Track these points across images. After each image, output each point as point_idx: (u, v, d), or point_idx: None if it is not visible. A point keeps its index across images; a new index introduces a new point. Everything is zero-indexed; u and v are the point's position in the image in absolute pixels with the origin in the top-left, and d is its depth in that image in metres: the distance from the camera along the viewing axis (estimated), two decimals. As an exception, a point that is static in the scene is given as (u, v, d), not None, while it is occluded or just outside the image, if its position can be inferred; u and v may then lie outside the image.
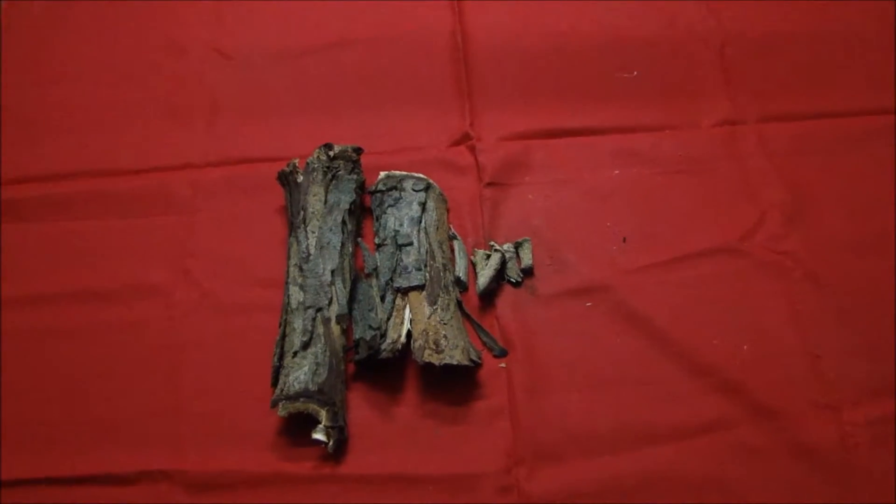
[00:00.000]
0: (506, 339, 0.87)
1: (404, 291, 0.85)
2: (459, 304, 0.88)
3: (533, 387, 0.82)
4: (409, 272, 0.86)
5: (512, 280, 0.92)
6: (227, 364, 0.83)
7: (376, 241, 0.91)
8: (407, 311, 0.84)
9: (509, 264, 0.92)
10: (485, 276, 0.88)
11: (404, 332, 0.81)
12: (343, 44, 1.04)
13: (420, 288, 0.85)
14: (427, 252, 0.89)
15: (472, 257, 0.95)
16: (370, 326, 0.82)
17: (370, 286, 0.87)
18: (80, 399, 0.79)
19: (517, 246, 0.98)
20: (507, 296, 0.91)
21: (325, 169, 0.94)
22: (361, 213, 1.01)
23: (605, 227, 0.99)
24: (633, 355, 0.83)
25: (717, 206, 0.99)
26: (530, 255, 0.93)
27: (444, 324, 0.82)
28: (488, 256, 0.92)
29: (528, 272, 0.92)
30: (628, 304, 0.87)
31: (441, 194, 1.01)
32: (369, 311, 0.84)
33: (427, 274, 0.86)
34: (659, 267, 0.90)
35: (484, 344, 0.87)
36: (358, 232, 0.98)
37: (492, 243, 0.92)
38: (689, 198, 1.01)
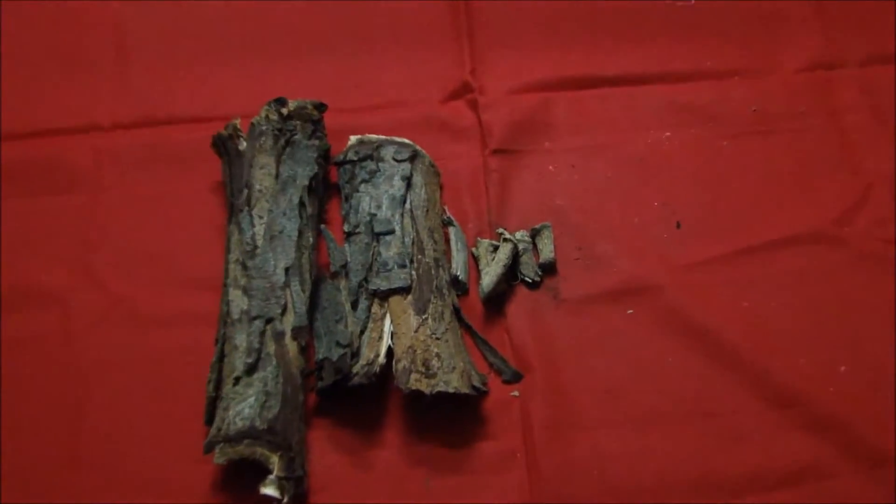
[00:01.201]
0: (520, 358, 0.88)
1: (383, 296, 0.86)
2: (457, 311, 0.88)
3: (556, 423, 0.83)
4: (390, 270, 0.87)
5: (527, 280, 0.92)
6: (145, 395, 0.83)
7: (346, 228, 0.92)
8: (387, 321, 0.84)
9: (523, 258, 0.93)
10: (491, 274, 0.89)
11: (383, 350, 0.82)
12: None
13: (404, 291, 0.86)
14: (413, 243, 0.89)
15: (473, 250, 0.95)
16: (338, 343, 0.82)
17: (337, 289, 0.87)
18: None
19: (534, 234, 0.96)
20: (520, 301, 0.92)
21: (277, 132, 0.94)
22: (326, 191, 1.01)
23: (652, 207, 0.97)
24: (692, 380, 0.84)
25: (805, 179, 0.99)
26: (552, 247, 0.93)
27: (437, 339, 0.82)
28: (495, 248, 0.93)
29: (548, 269, 0.93)
30: (684, 312, 0.88)
31: (432, 165, 1.02)
32: (336, 322, 0.84)
33: (414, 272, 0.87)
34: (725, 261, 0.91)
35: (490, 366, 0.88)
36: (321, 217, 0.96)
37: (500, 231, 0.92)
38: (766, 168, 1.01)
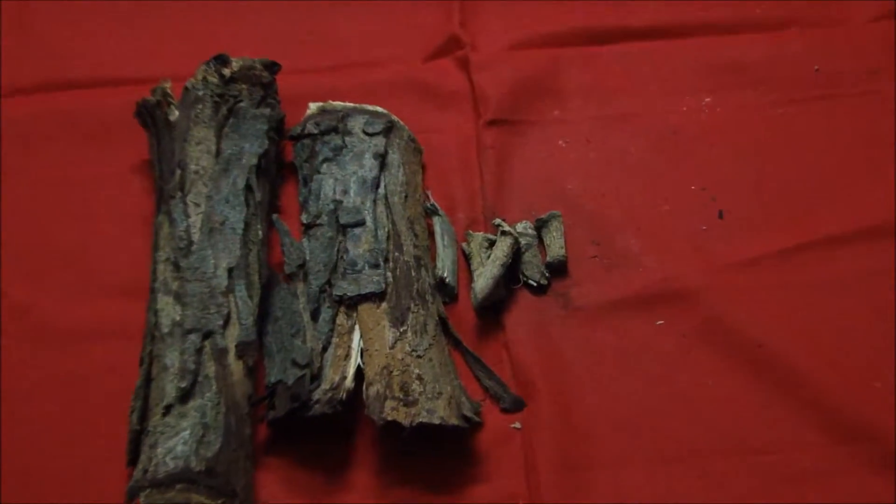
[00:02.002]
0: (522, 381, 0.88)
1: (351, 303, 0.86)
2: (444, 323, 0.89)
3: (567, 461, 0.82)
4: (360, 271, 0.87)
5: (531, 283, 0.92)
6: (52, 428, 0.82)
7: (304, 219, 0.92)
8: (356, 336, 0.84)
9: (526, 256, 0.93)
10: (486, 276, 0.89)
11: (351, 371, 0.82)
12: None
13: (377, 297, 0.86)
14: (389, 237, 0.90)
15: (464, 245, 0.95)
16: (294, 363, 0.82)
17: (294, 295, 0.88)
18: None
19: (540, 226, 0.96)
20: (522, 309, 0.92)
21: (217, 99, 0.94)
22: (279, 172, 1.01)
23: (687, 192, 0.97)
24: (737, 407, 0.84)
25: (877, 156, 0.99)
26: (562, 241, 0.93)
27: (419, 357, 0.83)
28: (491, 244, 0.93)
29: (558, 269, 0.94)
30: (727, 323, 0.88)
31: (412, 140, 1.01)
32: (293, 336, 0.84)
33: (389, 274, 0.87)
34: (778, 260, 0.92)
35: (485, 390, 0.88)
36: (273, 205, 0.97)
37: (497, 222, 0.92)
38: (830, 143, 1.01)
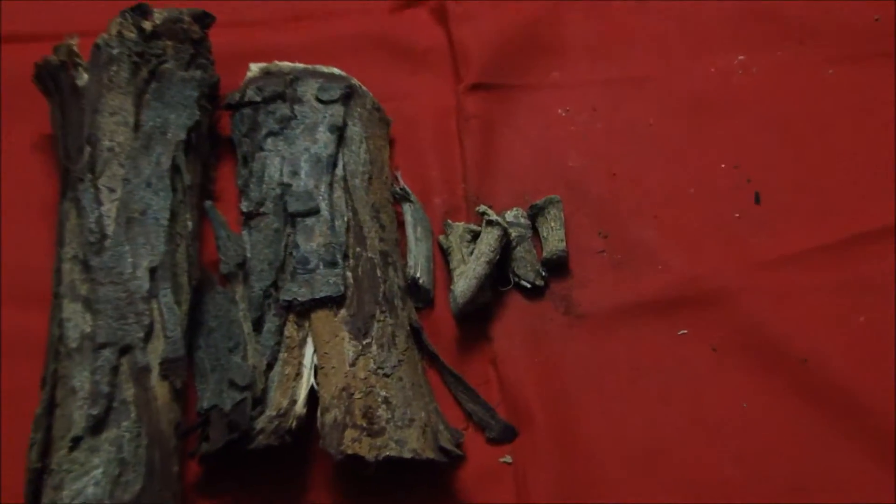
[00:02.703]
0: (513, 405, 0.88)
1: (303, 310, 0.87)
2: (417, 333, 0.89)
3: (569, 501, 0.83)
4: (313, 271, 0.87)
5: (525, 284, 0.93)
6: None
7: (244, 206, 0.93)
8: (308, 350, 0.85)
9: (518, 251, 0.93)
10: (469, 276, 0.89)
11: (303, 394, 0.83)
12: None
13: (335, 303, 0.86)
14: (349, 229, 0.90)
15: (441, 238, 0.96)
16: (232, 384, 0.82)
17: (232, 301, 0.88)
18: None
19: (535, 213, 0.97)
20: (514, 316, 0.92)
21: (136, 58, 0.93)
22: (213, 150, 1.01)
23: (716, 172, 0.99)
24: (779, 435, 0.84)
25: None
26: (562, 233, 0.94)
27: (386, 376, 0.83)
28: (475, 236, 0.93)
29: (557, 266, 0.94)
30: (766, 332, 0.89)
31: (377, 109, 1.01)
32: (230, 351, 0.84)
33: (349, 274, 0.88)
34: (828, 255, 0.92)
35: (469, 416, 0.89)
36: (206, 189, 0.98)
37: (483, 210, 0.92)
38: (893, 112, 1.01)
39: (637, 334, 0.91)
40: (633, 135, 0.99)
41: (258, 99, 0.97)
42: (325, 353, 0.85)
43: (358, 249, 0.90)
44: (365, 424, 0.80)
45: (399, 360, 0.86)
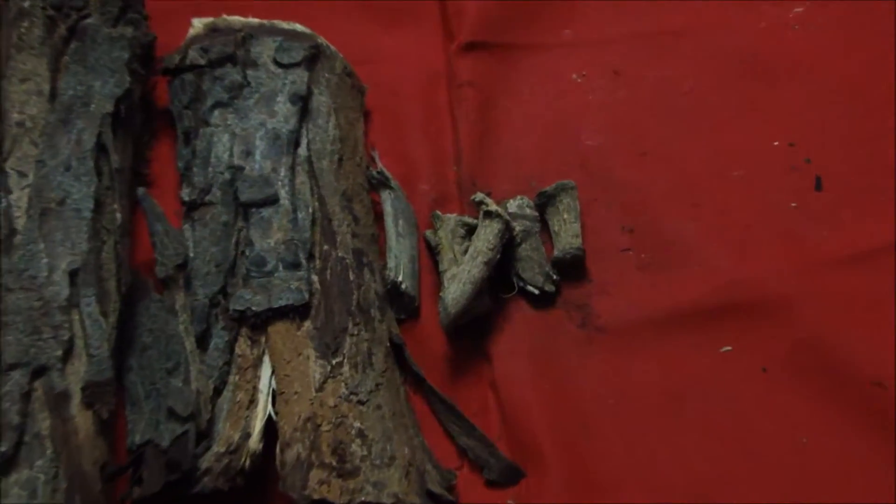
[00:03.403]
0: (518, 438, 0.88)
1: (258, 323, 0.86)
2: (399, 351, 0.89)
3: None
4: (271, 274, 0.88)
5: (532, 289, 0.92)
6: None
7: (186, 194, 0.94)
8: (265, 371, 0.85)
9: (524, 249, 0.93)
10: (463, 280, 0.89)
11: (258, 425, 0.83)
12: None
13: (298, 314, 0.86)
14: (315, 222, 0.90)
15: (429, 233, 0.96)
16: (171, 414, 0.82)
17: (170, 311, 0.88)
18: None
19: (544, 203, 0.96)
20: (519, 330, 0.93)
21: (52, 12, 0.94)
22: (147, 125, 1.00)
23: (768, 150, 0.98)
24: (846, 470, 0.84)
25: None
26: (577, 227, 0.94)
27: (360, 403, 0.83)
28: (471, 231, 0.93)
29: (571, 268, 0.94)
30: (828, 348, 0.89)
31: (349, 75, 1.00)
32: (169, 373, 0.84)
33: (315, 278, 0.87)
34: None
35: (463, 453, 0.89)
36: (139, 174, 0.97)
37: (480, 198, 0.92)
38: None
39: (670, 352, 0.91)
40: (665, 105, 0.99)
41: (203, 62, 0.96)
42: (286, 375, 0.84)
43: (326, 247, 0.89)
44: (335, 463, 0.80)
45: (377, 384, 0.85)
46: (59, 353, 0.83)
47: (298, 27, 0.98)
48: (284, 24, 0.98)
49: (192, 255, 0.90)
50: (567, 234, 0.94)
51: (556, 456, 0.87)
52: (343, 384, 0.85)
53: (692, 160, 0.98)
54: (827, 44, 1.00)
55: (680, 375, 0.90)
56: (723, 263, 0.94)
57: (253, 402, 0.85)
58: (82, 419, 0.82)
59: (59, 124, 0.91)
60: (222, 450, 0.82)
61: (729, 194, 0.97)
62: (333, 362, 0.86)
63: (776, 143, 0.98)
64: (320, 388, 0.84)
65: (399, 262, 0.93)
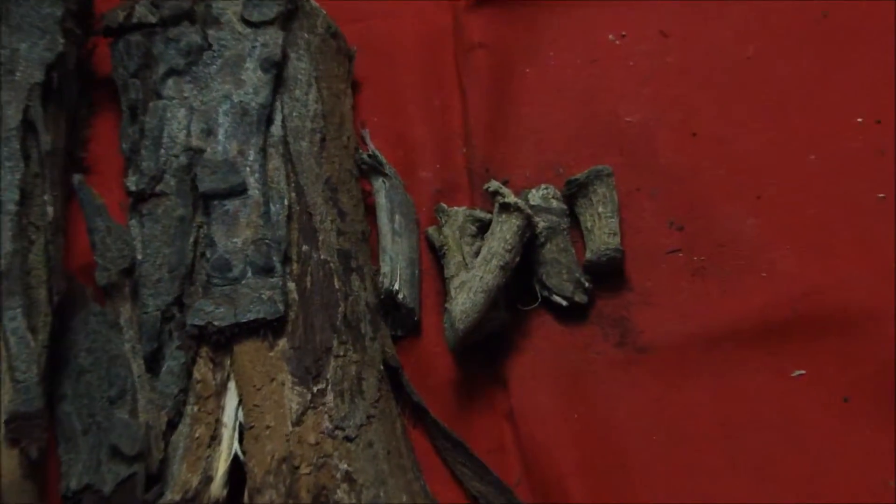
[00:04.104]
0: (542, 482, 0.88)
1: (222, 341, 0.86)
2: (395, 375, 0.89)
3: None
4: (237, 281, 0.87)
5: (559, 300, 0.92)
6: None
7: (132, 183, 0.93)
8: (230, 400, 0.85)
9: (549, 250, 0.93)
10: (475, 288, 0.88)
11: (222, 468, 0.83)
12: None
13: (270, 330, 0.86)
14: (291, 217, 0.89)
15: (432, 231, 0.95)
16: (115, 452, 0.82)
17: (113, 326, 0.88)
18: None
19: (574, 193, 0.95)
20: (542, 348, 0.92)
21: None
22: (85, 97, 1.00)
23: (850, 128, 0.97)
24: None
25: None
26: (615, 223, 0.93)
27: (347, 440, 0.83)
28: (482, 228, 0.92)
29: (607, 273, 0.93)
30: None
31: (333, 35, 1.00)
32: (112, 402, 0.84)
33: (292, 286, 0.88)
34: None
35: (475, 501, 0.88)
36: (75, 157, 0.96)
37: (495, 187, 0.91)
38: None
39: (729, 378, 0.91)
40: (722, 73, 0.99)
41: (153, 19, 0.96)
42: (256, 405, 0.84)
43: (305, 248, 0.89)
44: (318, 517, 0.75)
45: (368, 417, 0.85)
46: (-30, 376, 0.79)
47: (272, -24, 0.96)
48: (253, -29, 0.96)
49: (140, 257, 0.90)
50: (602, 231, 0.93)
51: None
52: (326, 416, 0.84)
53: (755, 142, 0.97)
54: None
55: (740, 406, 0.90)
56: (793, 269, 0.93)
57: (215, 438, 0.84)
58: (6, 459, 0.81)
59: (-26, 98, 0.88)
60: (178, 497, 0.81)
61: (800, 184, 0.96)
62: (314, 390, 0.85)
63: (859, 121, 0.97)
64: (298, 422, 0.84)
65: (395, 267, 0.92)
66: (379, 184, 0.94)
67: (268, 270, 0.88)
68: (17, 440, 0.83)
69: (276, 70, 0.94)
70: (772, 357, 0.91)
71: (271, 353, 0.86)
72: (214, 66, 0.94)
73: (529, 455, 0.90)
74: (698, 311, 0.93)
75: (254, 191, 0.91)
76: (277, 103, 0.93)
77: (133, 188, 0.93)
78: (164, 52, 0.95)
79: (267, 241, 0.89)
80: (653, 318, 0.93)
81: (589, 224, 0.94)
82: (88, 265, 0.91)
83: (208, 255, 0.89)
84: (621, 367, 0.92)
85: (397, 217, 0.94)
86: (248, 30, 0.95)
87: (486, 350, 0.92)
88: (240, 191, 0.91)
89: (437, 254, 0.94)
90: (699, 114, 0.99)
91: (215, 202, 0.91)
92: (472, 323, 0.88)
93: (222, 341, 0.87)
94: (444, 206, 0.94)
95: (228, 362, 0.87)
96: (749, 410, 0.90)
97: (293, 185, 0.91)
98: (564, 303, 0.93)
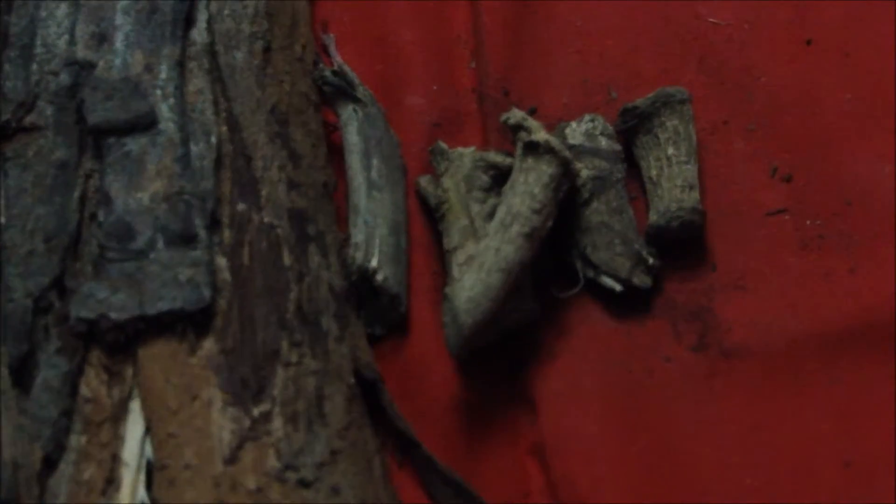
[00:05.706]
0: None
1: (119, 341, 0.79)
2: (371, 390, 0.84)
3: None
4: (142, 253, 0.79)
5: (608, 282, 0.85)
6: None
7: None
8: (134, 426, 0.77)
9: (596, 211, 0.85)
10: (487, 264, 0.80)
11: None
12: None
13: (190, 327, 0.79)
14: (220, 161, 0.83)
15: (423, 181, 0.88)
16: None
17: None
18: None
19: (633, 127, 0.90)
20: (585, 351, 0.83)
21: None
22: None
23: None
24: None
25: None
26: (694, 171, 0.86)
27: (302, 485, 0.74)
28: (497, 178, 0.86)
29: (677, 243, 0.87)
30: None
31: None
32: None
33: (222, 261, 0.80)
34: None
35: None
36: None
37: (517, 118, 0.85)
38: None
39: (857, 393, 0.80)
40: None
41: None
42: (172, 434, 0.76)
43: (242, 207, 0.82)
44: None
45: (332, 452, 0.76)
46: None
47: None
48: None
49: (2, 220, 0.82)
50: (673, 183, 0.85)
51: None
52: (272, 451, 0.75)
53: (892, 53, 0.92)
54: None
55: (874, 436, 0.79)
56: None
57: (112, 482, 0.74)
58: None
59: None
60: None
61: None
62: (255, 413, 0.76)
63: None
64: (233, 459, 0.74)
65: (372, 235, 0.85)
66: (349, 113, 0.88)
67: (187, 239, 0.80)
68: None
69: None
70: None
71: (193, 360, 0.77)
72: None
73: (567, 502, 0.81)
74: (813, 301, 0.84)
75: (167, 123, 0.83)
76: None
77: (-3, 121, 0.95)
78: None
79: (186, 196, 0.81)
80: (746, 309, 0.84)
81: (654, 173, 0.87)
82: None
83: (101, 218, 0.80)
84: (701, 380, 0.82)
85: (375, 162, 0.86)
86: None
87: (504, 355, 0.84)
88: (147, 123, 0.82)
89: (432, 216, 0.87)
90: (813, 14, 0.90)
91: (111, 140, 0.82)
92: (483, 315, 0.80)
93: (122, 342, 0.77)
94: (444, 145, 0.87)
95: (131, 373, 0.77)
96: (887, 442, 0.78)
97: (223, 115, 0.83)
98: (618, 287, 0.84)
